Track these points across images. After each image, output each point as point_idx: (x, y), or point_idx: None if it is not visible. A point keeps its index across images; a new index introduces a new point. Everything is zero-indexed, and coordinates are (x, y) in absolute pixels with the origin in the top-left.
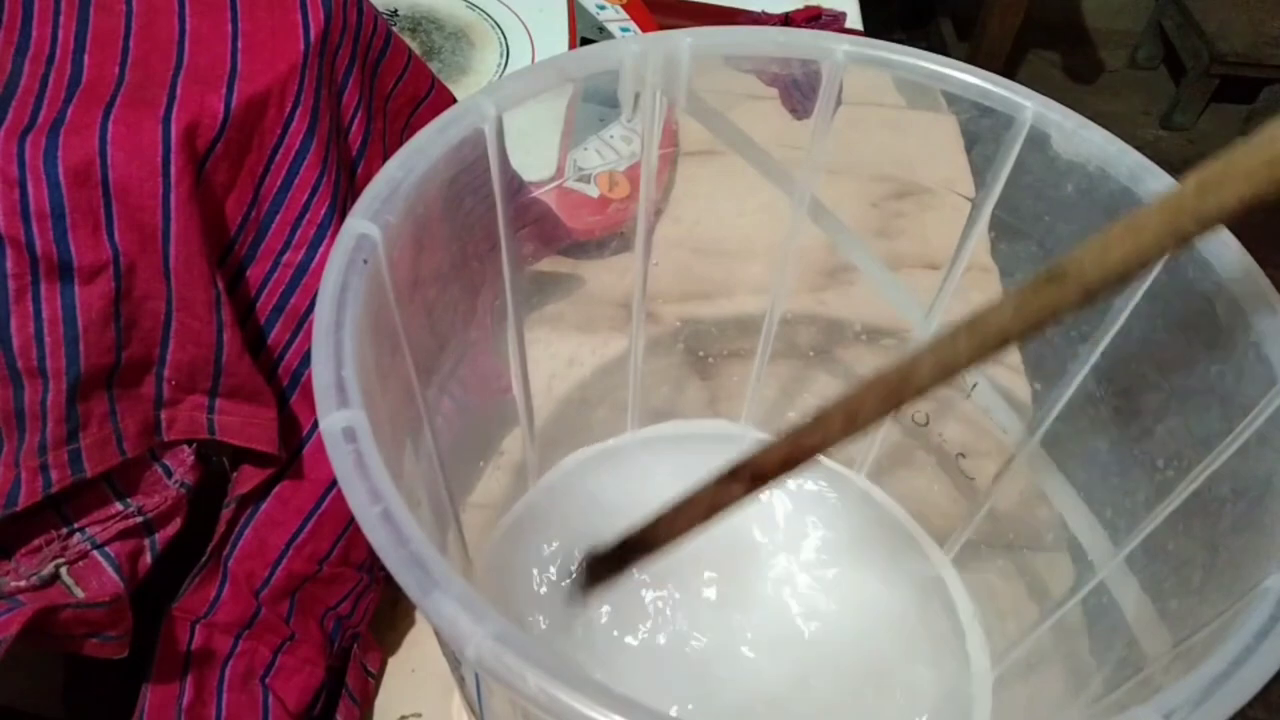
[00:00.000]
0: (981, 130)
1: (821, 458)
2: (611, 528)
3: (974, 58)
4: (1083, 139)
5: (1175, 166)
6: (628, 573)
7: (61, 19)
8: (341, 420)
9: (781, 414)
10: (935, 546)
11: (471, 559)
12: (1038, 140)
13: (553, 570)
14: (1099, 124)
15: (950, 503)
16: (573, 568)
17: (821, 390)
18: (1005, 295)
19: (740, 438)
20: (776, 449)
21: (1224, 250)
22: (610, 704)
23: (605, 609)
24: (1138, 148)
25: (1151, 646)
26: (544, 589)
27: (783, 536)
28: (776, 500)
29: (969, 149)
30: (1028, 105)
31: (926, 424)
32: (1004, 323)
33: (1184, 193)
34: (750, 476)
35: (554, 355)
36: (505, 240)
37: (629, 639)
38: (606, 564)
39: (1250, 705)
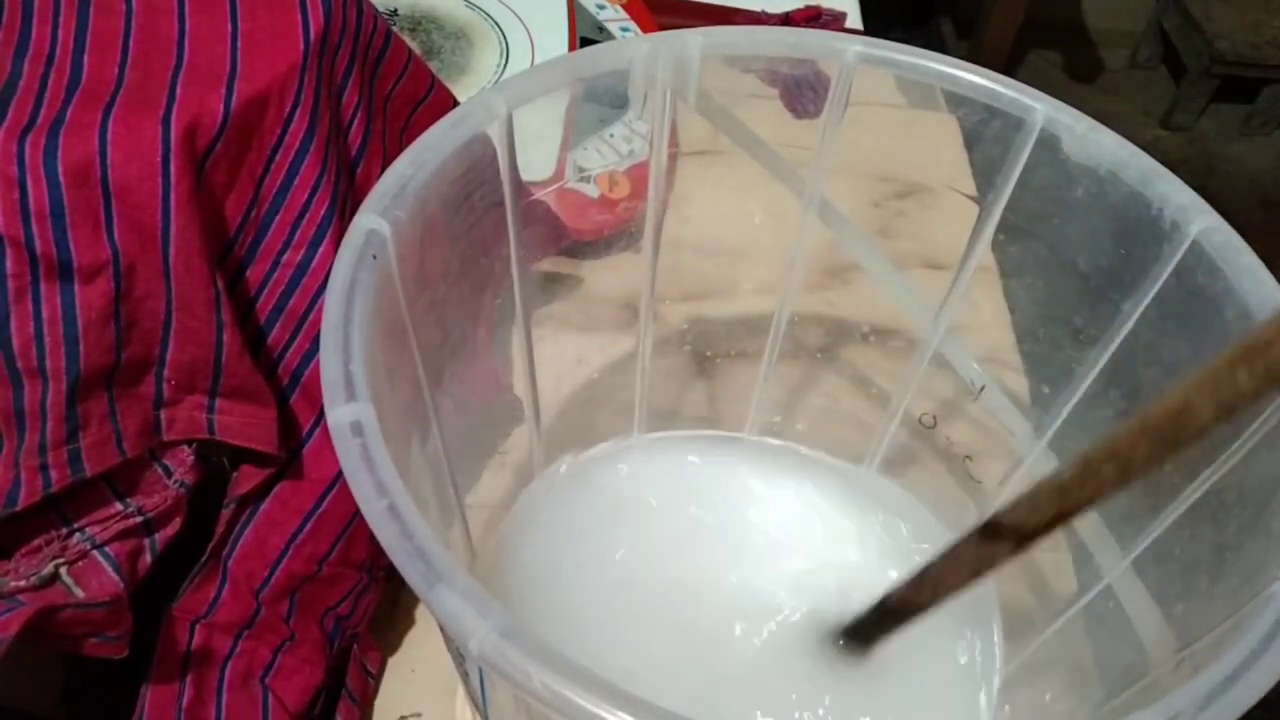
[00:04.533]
0: (990, 132)
1: (833, 453)
2: (617, 527)
3: (974, 57)
4: (1093, 142)
5: (1175, 167)
6: (888, 638)
7: (61, 19)
8: (349, 414)
9: (789, 415)
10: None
11: (477, 556)
12: (1048, 143)
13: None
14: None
15: (957, 506)
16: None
17: (829, 391)
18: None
19: (749, 435)
20: (1042, 505)
21: (1234, 254)
22: (615, 700)
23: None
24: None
25: (1157, 651)
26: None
27: (787, 534)
28: (782, 495)
29: (970, 148)
30: (1038, 108)
31: (934, 426)
32: None
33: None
34: (1016, 538)
35: (560, 355)
36: (514, 238)
37: (632, 640)
38: (867, 631)
39: (1253, 708)
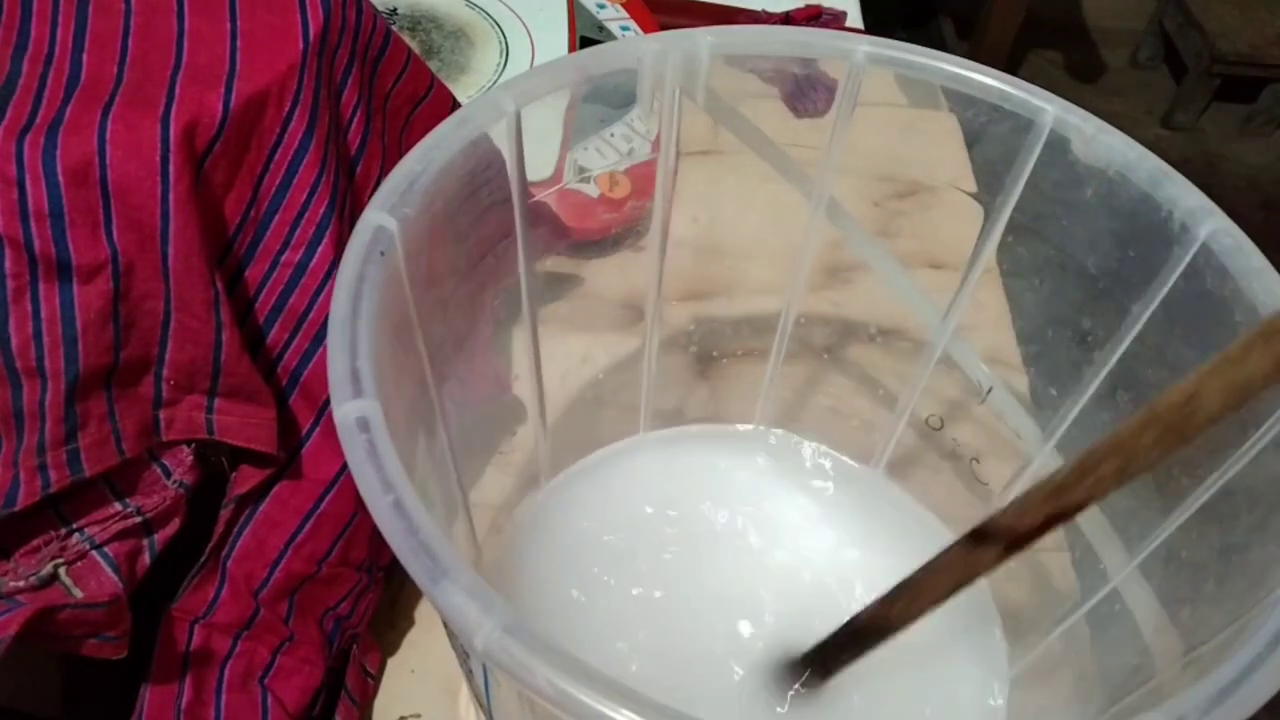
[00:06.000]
0: (996, 132)
1: (839, 454)
2: (622, 527)
3: (975, 56)
4: (1102, 144)
5: (1176, 166)
6: (858, 659)
7: (60, 18)
8: (355, 410)
9: (795, 415)
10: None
11: (482, 554)
12: (1057, 144)
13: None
14: None
15: (964, 507)
16: (794, 669)
17: (835, 392)
18: None
19: (755, 436)
20: (1034, 507)
21: (1242, 257)
22: (621, 698)
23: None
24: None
25: (1162, 654)
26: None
27: (793, 535)
28: (790, 499)
29: (971, 148)
30: (1048, 109)
31: (941, 428)
32: None
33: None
34: (1005, 542)
35: (567, 354)
36: (521, 236)
37: (636, 637)
38: (835, 654)
39: (1259, 712)
